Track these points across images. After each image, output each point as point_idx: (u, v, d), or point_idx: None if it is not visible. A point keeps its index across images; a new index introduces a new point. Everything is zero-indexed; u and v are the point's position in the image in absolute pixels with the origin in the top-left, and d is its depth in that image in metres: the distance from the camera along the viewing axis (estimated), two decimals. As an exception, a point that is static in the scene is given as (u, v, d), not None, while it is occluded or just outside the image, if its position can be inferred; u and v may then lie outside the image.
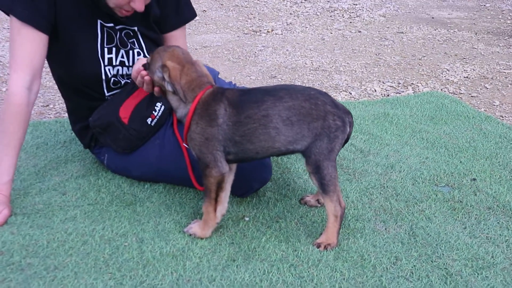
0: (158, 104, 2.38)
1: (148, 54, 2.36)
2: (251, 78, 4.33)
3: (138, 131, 2.35)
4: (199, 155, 1.98)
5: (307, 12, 6.83)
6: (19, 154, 2.23)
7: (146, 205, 2.27)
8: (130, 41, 2.34)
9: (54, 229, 2.06)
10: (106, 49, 2.28)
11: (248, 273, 1.80)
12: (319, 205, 2.29)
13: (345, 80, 4.29)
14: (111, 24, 2.29)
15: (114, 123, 2.33)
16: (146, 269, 1.82)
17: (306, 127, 1.94)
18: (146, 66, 2.07)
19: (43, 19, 2.14)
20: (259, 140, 1.94)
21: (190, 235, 2.04)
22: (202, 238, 2.03)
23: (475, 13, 6.74)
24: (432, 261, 1.88)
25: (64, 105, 3.56)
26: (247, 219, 2.18)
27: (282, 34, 5.77)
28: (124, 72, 2.35)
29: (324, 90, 4.04)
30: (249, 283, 1.76)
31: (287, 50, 5.12)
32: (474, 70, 4.48)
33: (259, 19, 6.42)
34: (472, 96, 3.89)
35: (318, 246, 1.99)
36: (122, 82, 2.37)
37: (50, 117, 3.40)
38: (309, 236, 2.06)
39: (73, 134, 3.02)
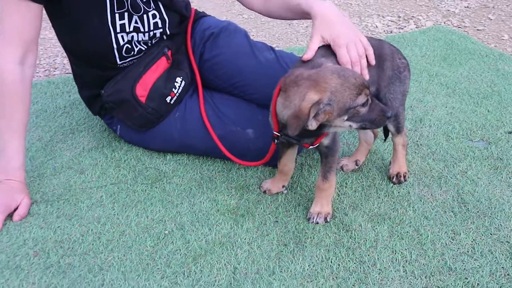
0: (178, 80, 2.18)
1: (166, 15, 2.13)
2: (243, 17, 4.08)
3: (156, 111, 2.16)
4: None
5: None
6: (25, 135, 2.02)
7: (174, 181, 2.12)
8: (144, 1, 2.09)
9: (84, 218, 1.91)
10: (117, 15, 2.03)
11: (306, 262, 1.70)
12: (357, 167, 2.19)
13: (343, 15, 4.08)
14: None
15: (130, 101, 2.13)
16: (198, 263, 1.70)
17: (377, 66, 1.89)
18: None
19: None
20: None
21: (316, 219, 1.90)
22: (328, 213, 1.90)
23: None
24: (491, 234, 1.82)
25: (52, 61, 3.30)
26: (285, 191, 2.06)
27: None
28: (140, 38, 2.11)
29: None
30: (310, 273, 1.66)
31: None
32: (473, -2, 4.33)
33: None
34: (478, 30, 3.76)
35: (398, 177, 2.07)
36: (136, 49, 2.14)
37: (40, 77, 3.14)
38: (354, 208, 1.96)
39: (72, 97, 2.81)
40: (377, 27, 3.86)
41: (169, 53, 2.19)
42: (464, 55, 3.25)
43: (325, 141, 1.79)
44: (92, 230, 1.85)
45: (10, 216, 1.89)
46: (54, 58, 3.36)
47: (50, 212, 1.94)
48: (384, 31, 3.79)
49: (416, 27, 3.83)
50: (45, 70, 3.20)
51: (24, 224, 1.87)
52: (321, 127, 1.65)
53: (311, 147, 1.79)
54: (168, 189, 2.08)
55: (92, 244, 1.79)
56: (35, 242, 1.79)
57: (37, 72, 3.18)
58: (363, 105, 1.62)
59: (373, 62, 1.85)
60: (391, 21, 3.96)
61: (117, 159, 2.27)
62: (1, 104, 1.95)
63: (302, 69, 1.66)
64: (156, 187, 2.09)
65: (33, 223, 1.87)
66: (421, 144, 2.35)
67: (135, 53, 2.15)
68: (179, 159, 2.27)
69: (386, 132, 2.13)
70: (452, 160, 2.24)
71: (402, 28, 3.81)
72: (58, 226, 1.86)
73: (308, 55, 1.81)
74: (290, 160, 2.00)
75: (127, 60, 2.15)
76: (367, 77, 1.84)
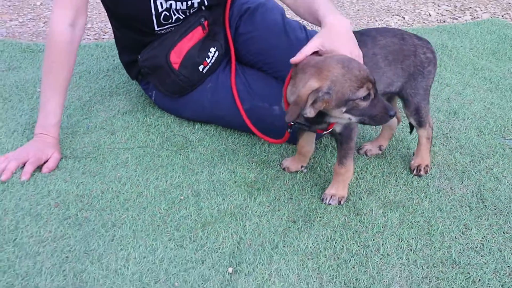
0: (212, 50, 2.23)
1: None
2: None
3: (188, 78, 2.22)
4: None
5: None
6: (66, 94, 2.13)
7: (198, 150, 2.18)
8: None
9: (107, 177, 2.00)
10: None
11: (311, 240, 1.73)
12: (380, 152, 2.18)
13: (397, 1, 4.01)
14: None
15: (164, 67, 2.20)
16: (206, 229, 1.76)
17: (400, 65, 1.87)
18: None
19: None
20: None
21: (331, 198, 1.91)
22: (343, 197, 1.91)
23: None
24: (504, 233, 1.79)
25: (103, 25, 3.41)
26: (304, 170, 2.09)
27: None
28: (178, 7, 2.16)
29: (375, 13, 3.80)
30: (312, 251, 1.69)
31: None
32: (538, -7, 4.14)
33: None
34: (536, 26, 3.61)
35: (418, 170, 2.05)
36: (174, 18, 2.19)
37: (90, 39, 3.26)
38: (370, 194, 1.97)
39: (116, 61, 2.90)
40: (430, 15, 3.77)
41: (205, 23, 2.23)
42: (515, 51, 3.14)
43: (337, 128, 1.79)
44: (112, 188, 1.94)
45: (40, 168, 2.00)
46: (106, 23, 3.47)
47: (77, 168, 2.04)
48: (437, 20, 3.70)
49: (472, 19, 3.72)
50: (95, 34, 3.31)
51: (50, 176, 1.98)
52: (322, 116, 1.65)
53: (324, 132, 1.80)
54: (191, 157, 2.14)
55: (110, 202, 1.87)
56: (58, 194, 1.89)
57: (88, 35, 3.30)
58: (364, 99, 1.60)
59: None
60: (447, 10, 3.85)
61: (148, 124, 2.34)
62: (50, 62, 2.08)
63: (314, 55, 1.67)
64: (180, 154, 2.16)
65: (59, 177, 1.98)
66: (450, 137, 2.31)
67: (173, 21, 2.20)
68: (207, 129, 2.32)
69: (411, 124, 2.11)
70: (480, 155, 2.19)
71: (457, 19, 3.71)
72: (82, 182, 1.96)
73: (297, 58, 1.70)
74: (308, 142, 2.02)
75: (165, 27, 2.21)
76: None
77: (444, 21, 3.68)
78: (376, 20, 3.65)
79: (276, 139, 2.05)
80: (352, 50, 1.71)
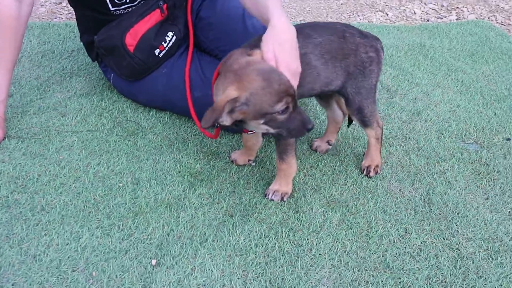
0: (170, 34, 2.17)
1: None
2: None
3: (143, 61, 2.16)
4: None
5: None
6: (12, 71, 2.08)
7: (148, 137, 2.13)
8: None
9: (47, 159, 1.95)
10: None
11: (243, 236, 1.68)
12: (330, 147, 2.12)
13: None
14: None
15: (119, 48, 2.14)
16: (137, 219, 1.71)
17: (339, 64, 1.80)
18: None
19: None
20: (306, 81, 1.75)
21: (275, 194, 1.86)
22: (286, 193, 1.86)
23: None
24: (444, 239, 1.73)
25: (78, 5, 3.34)
26: (253, 164, 2.03)
27: None
28: None
29: (358, 8, 3.72)
30: (242, 247, 1.64)
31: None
32: (528, -4, 4.06)
33: None
34: (521, 30, 3.53)
35: (368, 171, 1.99)
36: (128, -4, 2.14)
37: (61, 19, 3.20)
38: (315, 191, 1.91)
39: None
40: (415, 13, 3.69)
41: (164, 6, 2.18)
42: (494, 54, 3.06)
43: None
44: (50, 171, 1.89)
45: (-20, 146, 1.96)
46: (82, 3, 3.40)
47: (18, 149, 1.99)
48: (421, 19, 3.62)
49: (457, 19, 3.64)
50: (69, 13, 3.25)
51: (-11, 155, 1.93)
52: (241, 123, 1.60)
53: (249, 133, 1.75)
54: (139, 144, 2.09)
55: (46, 185, 1.82)
56: (-8, 174, 1.84)
57: (60, 14, 3.24)
58: (282, 112, 1.55)
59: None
60: (432, 9, 3.77)
61: (102, 108, 2.29)
62: None
63: (238, 54, 1.58)
64: (129, 140, 2.10)
65: (-3, 156, 1.93)
66: (409, 138, 2.25)
67: (128, 0, 2.14)
68: (161, 117, 2.27)
69: (350, 118, 2.06)
70: (436, 158, 2.13)
71: (441, 18, 3.63)
72: (20, 163, 1.91)
73: None
74: (253, 136, 1.96)
75: (121, 7, 2.15)
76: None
77: (428, 20, 3.60)
78: (358, 15, 3.58)
79: (211, 134, 1.99)
80: (289, 64, 1.58)
